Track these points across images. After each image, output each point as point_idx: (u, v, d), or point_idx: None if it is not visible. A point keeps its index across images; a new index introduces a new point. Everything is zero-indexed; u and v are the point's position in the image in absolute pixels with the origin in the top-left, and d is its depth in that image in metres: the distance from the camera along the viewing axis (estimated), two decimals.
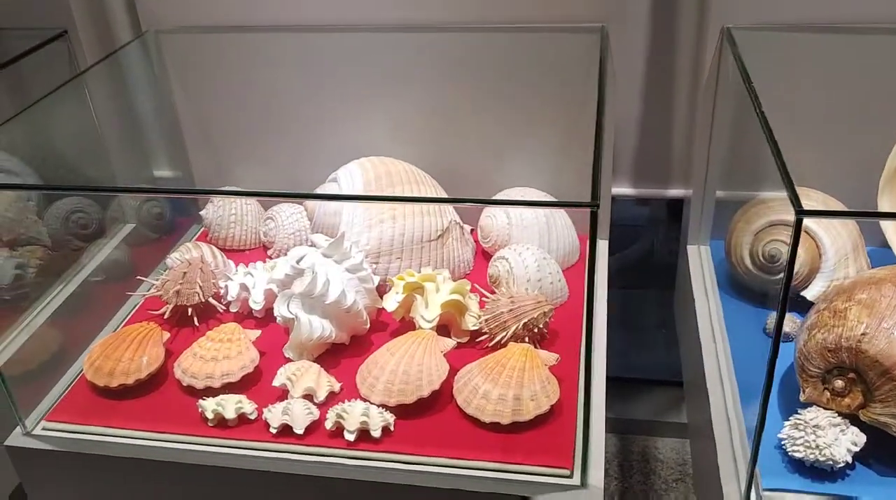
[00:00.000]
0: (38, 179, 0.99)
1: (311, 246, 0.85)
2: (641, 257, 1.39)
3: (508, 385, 0.71)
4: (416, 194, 0.88)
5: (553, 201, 0.91)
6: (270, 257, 0.96)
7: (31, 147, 0.94)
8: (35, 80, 0.94)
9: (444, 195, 0.93)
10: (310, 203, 0.92)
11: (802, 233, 0.81)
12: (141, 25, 0.93)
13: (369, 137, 0.97)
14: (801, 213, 0.50)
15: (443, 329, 0.81)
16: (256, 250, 0.99)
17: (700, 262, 0.93)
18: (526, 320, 0.78)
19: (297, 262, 0.79)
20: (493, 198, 0.95)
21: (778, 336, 0.56)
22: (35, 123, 0.84)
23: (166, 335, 0.80)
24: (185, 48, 0.94)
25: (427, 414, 0.73)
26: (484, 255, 0.95)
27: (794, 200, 0.51)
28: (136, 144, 1.04)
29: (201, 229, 1.04)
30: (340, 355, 0.80)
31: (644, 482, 1.19)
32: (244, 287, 0.85)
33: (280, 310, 0.78)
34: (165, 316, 0.85)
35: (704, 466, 0.78)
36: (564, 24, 0.86)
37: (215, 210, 0.98)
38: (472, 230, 0.97)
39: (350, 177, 0.90)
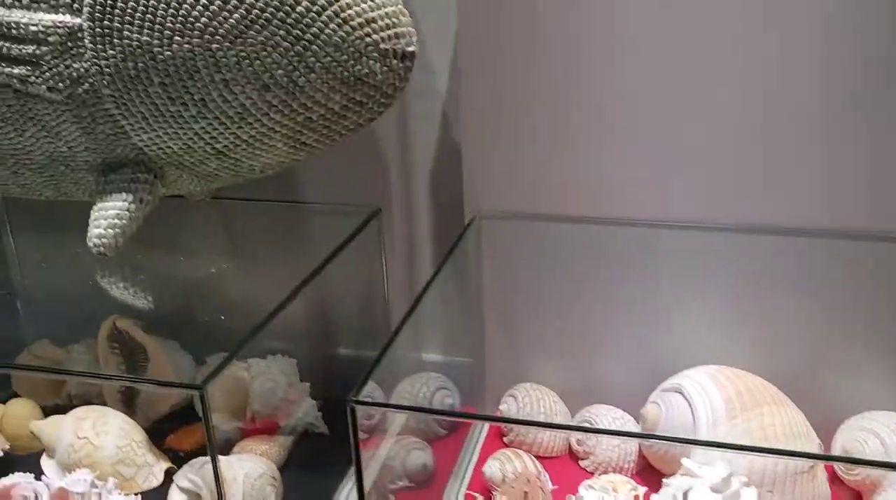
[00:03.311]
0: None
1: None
2: None
3: None
4: (785, 417, 0.77)
5: None
6: (589, 472, 0.85)
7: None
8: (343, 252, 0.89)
9: (802, 417, 0.81)
10: (651, 405, 0.82)
11: None
12: (464, 209, 0.88)
13: (693, 342, 0.87)
14: None
15: None
16: (562, 459, 0.89)
17: None
18: None
19: (683, 497, 0.67)
20: (854, 419, 0.83)
21: None
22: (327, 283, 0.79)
23: None
24: (504, 234, 0.89)
25: None
26: (832, 482, 0.83)
27: None
28: (423, 322, 0.97)
29: (487, 425, 0.94)
30: None
31: None
32: None
33: None
34: None
35: None
36: None
37: (521, 407, 0.89)
38: None
39: (702, 391, 0.79)
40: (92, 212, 0.76)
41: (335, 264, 0.82)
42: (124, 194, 0.76)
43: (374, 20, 0.66)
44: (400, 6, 0.68)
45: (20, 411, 0.93)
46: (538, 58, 0.80)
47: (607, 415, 0.86)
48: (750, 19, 0.74)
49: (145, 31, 0.67)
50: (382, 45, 0.67)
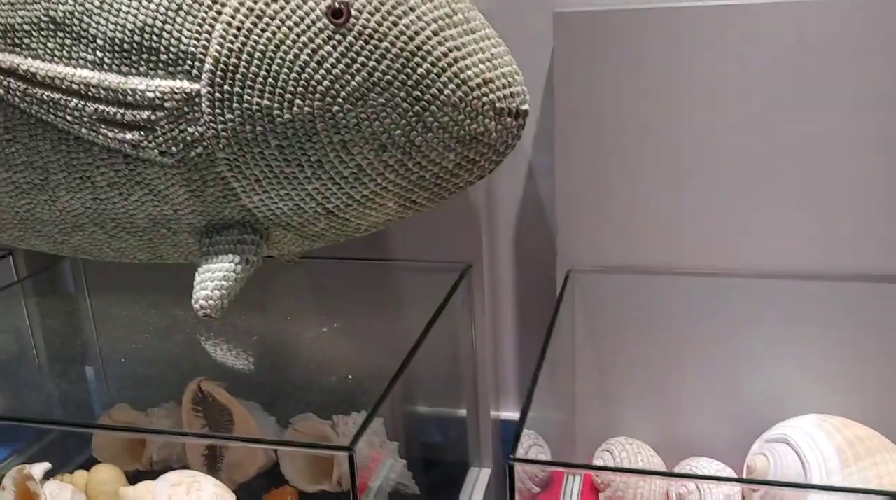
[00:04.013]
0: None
1: None
2: None
3: None
4: None
5: None
6: None
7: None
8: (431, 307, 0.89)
9: None
10: (758, 456, 0.81)
11: None
12: (557, 262, 0.88)
13: (791, 392, 0.87)
14: None
15: None
16: None
17: None
18: None
19: None
20: None
21: None
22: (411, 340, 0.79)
23: None
24: (597, 287, 0.89)
25: None
26: None
27: None
28: (510, 377, 0.97)
29: (580, 481, 0.93)
30: None
31: None
32: None
33: None
34: None
35: None
36: None
37: (618, 462, 0.88)
38: None
39: (811, 441, 0.79)
40: (197, 274, 0.76)
41: (422, 320, 0.82)
42: (230, 256, 0.76)
43: (491, 80, 0.67)
44: (514, 66, 0.69)
45: (106, 477, 0.91)
46: (634, 112, 0.81)
47: (708, 467, 0.85)
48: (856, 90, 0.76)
49: (266, 95, 0.68)
50: (499, 104, 0.68)
